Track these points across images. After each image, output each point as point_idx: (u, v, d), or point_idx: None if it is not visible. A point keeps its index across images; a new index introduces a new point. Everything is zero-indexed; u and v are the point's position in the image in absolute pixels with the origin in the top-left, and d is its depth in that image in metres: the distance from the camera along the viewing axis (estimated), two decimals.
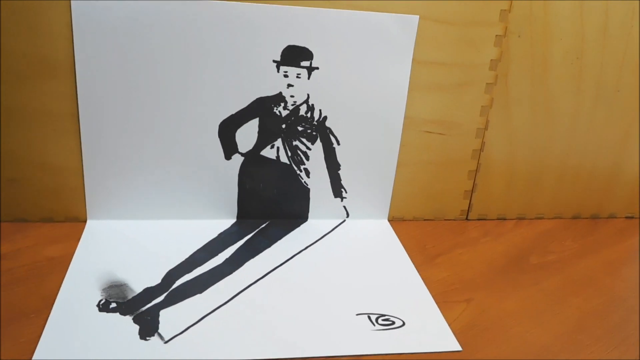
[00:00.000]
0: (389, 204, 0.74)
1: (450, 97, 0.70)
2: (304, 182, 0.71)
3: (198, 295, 0.58)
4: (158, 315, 0.54)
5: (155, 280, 0.59)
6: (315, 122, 0.69)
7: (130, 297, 0.57)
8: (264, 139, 0.69)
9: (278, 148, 0.69)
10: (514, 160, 0.75)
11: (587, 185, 0.79)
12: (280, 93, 0.67)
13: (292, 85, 0.67)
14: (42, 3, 0.59)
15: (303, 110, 0.68)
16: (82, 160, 0.66)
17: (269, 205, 0.72)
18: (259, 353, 0.51)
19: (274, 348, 0.51)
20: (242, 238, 0.68)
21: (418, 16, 0.66)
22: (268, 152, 0.69)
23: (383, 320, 0.56)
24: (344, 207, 0.74)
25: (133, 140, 0.66)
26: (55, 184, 0.67)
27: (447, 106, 0.70)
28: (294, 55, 0.65)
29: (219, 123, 0.67)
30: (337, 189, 0.72)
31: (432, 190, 0.75)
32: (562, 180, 0.77)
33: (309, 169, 0.71)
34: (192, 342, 0.51)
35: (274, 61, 0.65)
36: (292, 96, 0.67)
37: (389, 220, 0.75)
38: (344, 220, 0.74)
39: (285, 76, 0.66)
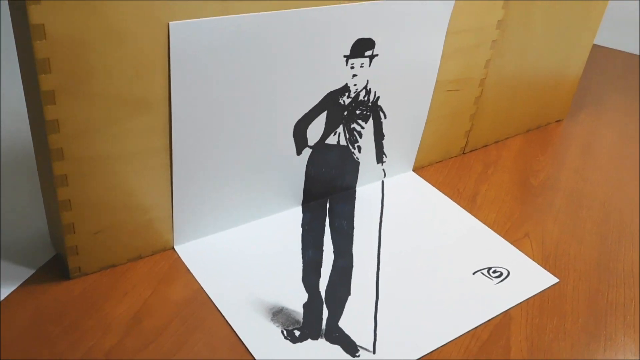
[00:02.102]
0: (415, 158, 0.83)
1: (467, 58, 0.79)
2: (356, 157, 0.76)
3: (350, 298, 0.63)
4: (340, 329, 0.59)
5: (296, 293, 0.62)
6: (370, 104, 0.73)
7: (301, 319, 0.60)
8: (329, 129, 0.71)
9: (339, 134, 0.72)
10: (498, 98, 0.88)
11: (536, 101, 0.96)
12: (346, 84, 0.69)
13: (356, 75, 0.69)
14: (137, 37, 0.51)
15: (362, 95, 0.71)
16: (171, 192, 0.62)
17: (327, 184, 0.75)
18: (444, 336, 0.60)
19: (449, 328, 0.61)
20: (323, 224, 0.72)
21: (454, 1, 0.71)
22: (331, 139, 0.72)
23: (493, 272, 0.68)
24: (383, 169, 0.80)
25: (217, 157, 0.63)
26: (143, 221, 0.62)
27: (463, 66, 0.79)
28: (361, 47, 0.67)
29: (293, 124, 0.67)
30: (380, 156, 0.79)
31: (443, 137, 0.85)
32: (518, 104, 0.93)
33: (361, 146, 0.75)
34: (388, 344, 0.58)
35: (345, 56, 0.66)
36: (355, 85, 0.69)
37: (413, 171, 0.84)
38: (382, 181, 0.81)
39: (352, 67, 0.68)
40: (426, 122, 0.80)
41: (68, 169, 0.54)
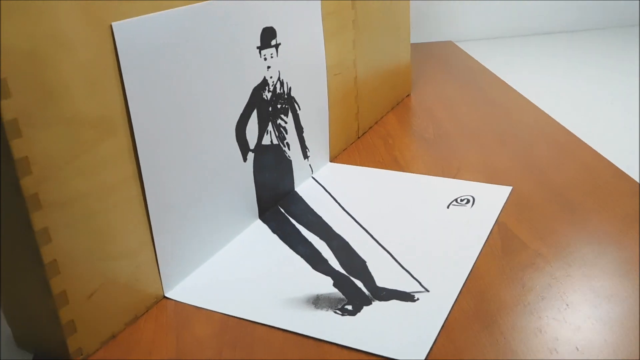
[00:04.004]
0: (329, 148, 0.84)
1: (338, 40, 0.83)
2: (288, 155, 0.74)
3: (367, 263, 0.60)
4: (383, 287, 0.56)
5: (316, 281, 0.58)
6: (286, 96, 0.72)
7: (342, 296, 0.55)
8: (261, 129, 0.68)
9: (270, 132, 0.70)
10: (369, 80, 0.93)
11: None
12: (264, 77, 0.68)
13: (270, 67, 0.68)
14: (85, 42, 0.45)
15: (279, 87, 0.70)
16: (150, 228, 0.54)
17: (273, 191, 0.72)
18: (471, 255, 0.60)
19: (469, 248, 0.62)
20: (291, 224, 0.69)
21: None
22: (265, 139, 0.69)
23: (462, 200, 0.71)
24: (309, 165, 0.79)
25: (183, 169, 0.57)
26: (131, 270, 0.53)
27: (339, 48, 0.83)
28: (267, 37, 0.67)
29: (234, 126, 0.64)
30: (304, 150, 0.78)
31: (343, 123, 0.87)
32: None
33: (289, 142, 0.74)
34: (432, 279, 0.57)
35: (257, 47, 0.66)
36: (271, 77, 0.69)
37: (330, 162, 0.85)
38: (312, 177, 0.80)
39: (265, 59, 0.67)
40: (328, 110, 0.82)
41: (48, 220, 0.44)
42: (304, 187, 0.77)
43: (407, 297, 0.55)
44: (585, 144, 0.85)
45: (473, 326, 0.51)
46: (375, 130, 0.96)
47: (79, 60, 0.45)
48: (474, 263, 0.59)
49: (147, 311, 0.55)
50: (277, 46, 0.69)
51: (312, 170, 0.80)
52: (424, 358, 0.47)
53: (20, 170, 0.42)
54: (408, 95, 1.12)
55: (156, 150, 0.53)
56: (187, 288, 0.58)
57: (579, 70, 1.27)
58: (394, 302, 0.54)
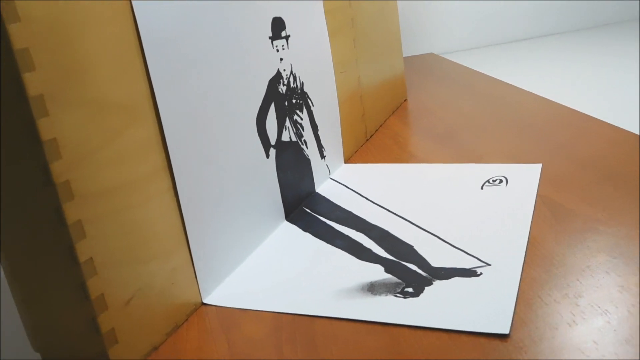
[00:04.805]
0: (342, 148, 0.80)
1: (340, 38, 0.80)
2: (306, 154, 0.70)
3: (415, 247, 0.56)
4: (440, 267, 0.52)
5: (365, 269, 0.54)
6: (299, 90, 0.68)
7: (399, 279, 0.51)
8: (280, 124, 0.64)
9: (288, 128, 0.66)
10: (371, 80, 0.91)
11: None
12: (278, 70, 0.64)
13: (282, 59, 0.65)
14: (106, 20, 0.41)
15: (292, 81, 0.67)
16: (183, 225, 0.49)
17: (295, 191, 0.68)
18: (521, 239, 0.57)
19: (517, 228, 0.58)
20: (322, 222, 0.64)
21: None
22: (285, 136, 0.65)
23: (494, 181, 0.68)
24: (327, 165, 0.75)
25: (214, 166, 0.52)
26: (167, 273, 0.47)
27: (341, 45, 0.80)
28: (277, 27, 0.64)
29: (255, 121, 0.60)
30: (321, 150, 0.74)
31: (352, 124, 0.84)
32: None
33: (307, 140, 0.70)
34: (491, 253, 0.53)
35: (269, 37, 0.62)
36: (284, 70, 0.65)
37: (345, 163, 0.81)
38: (331, 178, 0.76)
39: (277, 51, 0.64)
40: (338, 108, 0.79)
41: (82, 212, 0.39)
42: (324, 188, 0.73)
43: (469, 273, 0.51)
44: (606, 122, 0.83)
45: (551, 292, 0.47)
46: (382, 132, 0.93)
47: (104, 36, 0.41)
48: (529, 233, 0.56)
49: (187, 319, 0.50)
50: (287, 38, 0.66)
51: (329, 171, 0.76)
52: (508, 330, 0.43)
53: (49, 153, 0.37)
54: (405, 100, 1.10)
55: (184, 139, 0.49)
56: (226, 292, 0.53)
57: (568, 70, 1.27)
58: (456, 280, 0.50)
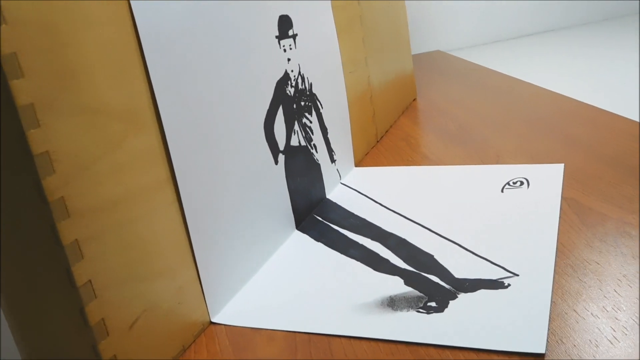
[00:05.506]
0: (352, 152, 0.76)
1: (348, 35, 0.77)
2: (316, 158, 0.67)
3: (436, 256, 0.53)
4: (463, 279, 0.49)
5: (382, 282, 0.50)
6: (308, 92, 0.65)
7: (421, 293, 0.48)
8: (288, 128, 0.61)
9: (297, 132, 0.63)
10: (381, 80, 0.87)
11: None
12: (286, 71, 0.61)
13: (290, 59, 0.61)
14: (103, 20, 0.38)
15: (300, 82, 0.63)
16: (189, 240, 0.46)
17: (306, 198, 0.64)
18: (550, 242, 0.53)
19: (544, 233, 0.54)
20: (335, 230, 0.61)
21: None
22: (294, 140, 0.62)
23: (515, 183, 0.64)
24: (337, 170, 0.72)
25: (222, 186, 0.49)
26: (173, 291, 0.44)
27: (349, 43, 0.77)
28: (284, 26, 0.60)
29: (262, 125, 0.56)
30: (331, 154, 0.70)
31: (363, 126, 0.80)
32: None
33: (316, 145, 0.67)
34: (517, 263, 0.49)
35: (276, 37, 0.59)
36: (292, 71, 0.62)
37: (355, 167, 0.77)
38: (341, 183, 0.72)
39: (284, 50, 0.61)
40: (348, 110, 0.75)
41: (78, 231, 0.36)
42: (335, 194, 0.70)
43: (496, 284, 0.47)
44: (625, 117, 0.79)
45: (587, 305, 0.43)
46: (393, 134, 0.89)
47: (100, 38, 0.38)
48: (557, 240, 0.52)
49: (194, 340, 0.46)
50: (294, 37, 0.62)
51: (340, 176, 0.73)
52: (544, 349, 0.39)
53: (41, 168, 0.34)
54: (414, 100, 1.06)
55: (188, 148, 0.46)
56: (236, 310, 0.49)
57: (577, 65, 1.24)
58: (482, 292, 0.47)
